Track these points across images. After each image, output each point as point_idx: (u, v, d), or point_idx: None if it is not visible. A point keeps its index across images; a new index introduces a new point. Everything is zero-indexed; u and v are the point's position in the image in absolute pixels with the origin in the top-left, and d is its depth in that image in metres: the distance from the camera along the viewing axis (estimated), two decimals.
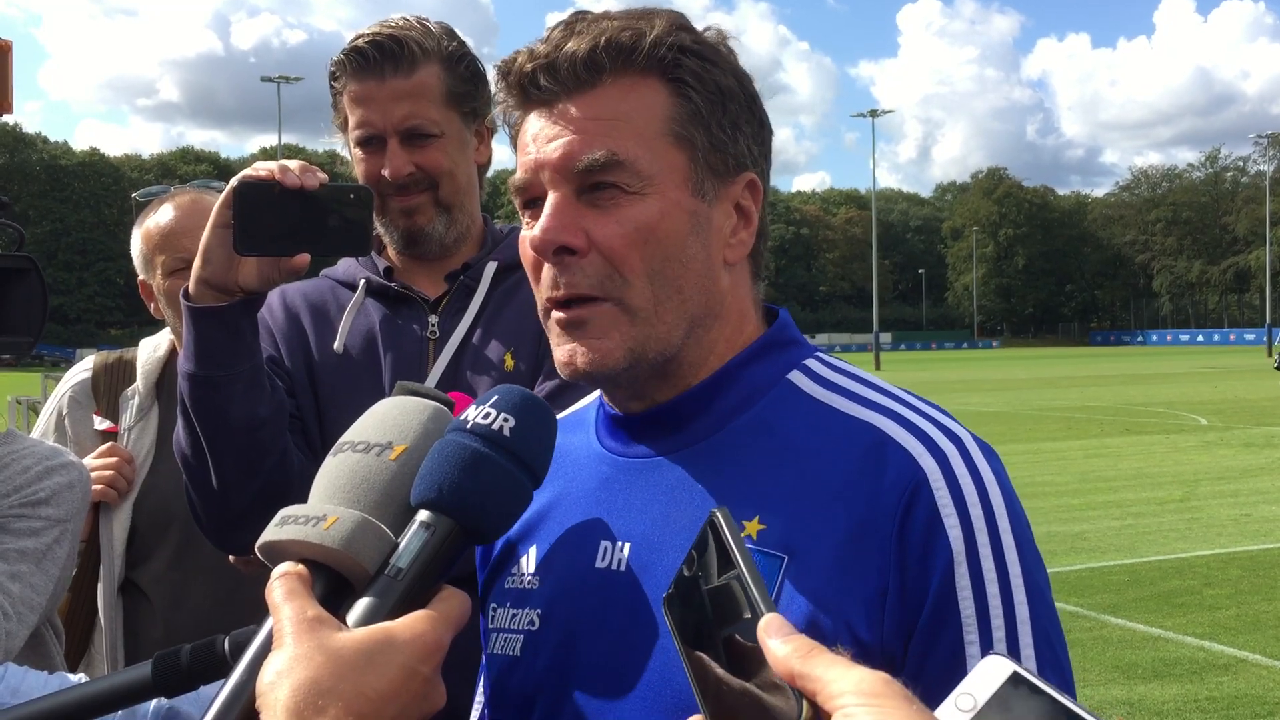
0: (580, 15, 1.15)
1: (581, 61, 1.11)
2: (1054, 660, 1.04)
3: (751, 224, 1.20)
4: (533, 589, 1.22)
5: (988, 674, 0.66)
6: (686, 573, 0.90)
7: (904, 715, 0.68)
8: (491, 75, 1.21)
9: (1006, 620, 1.02)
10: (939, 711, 0.65)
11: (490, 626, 1.26)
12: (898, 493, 1.05)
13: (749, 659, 0.79)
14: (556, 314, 1.15)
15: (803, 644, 0.75)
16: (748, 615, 0.81)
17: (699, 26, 1.19)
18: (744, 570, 0.82)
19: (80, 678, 1.57)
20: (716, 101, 1.15)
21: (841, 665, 0.73)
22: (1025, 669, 0.66)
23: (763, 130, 1.21)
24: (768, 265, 1.29)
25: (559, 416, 1.34)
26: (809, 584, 1.04)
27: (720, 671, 0.82)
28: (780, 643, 0.76)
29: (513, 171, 1.18)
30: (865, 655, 1.01)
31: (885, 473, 1.06)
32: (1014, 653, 1.01)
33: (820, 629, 1.02)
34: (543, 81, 1.13)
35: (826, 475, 1.08)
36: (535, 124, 1.15)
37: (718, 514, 0.88)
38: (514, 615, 1.22)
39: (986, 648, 1.01)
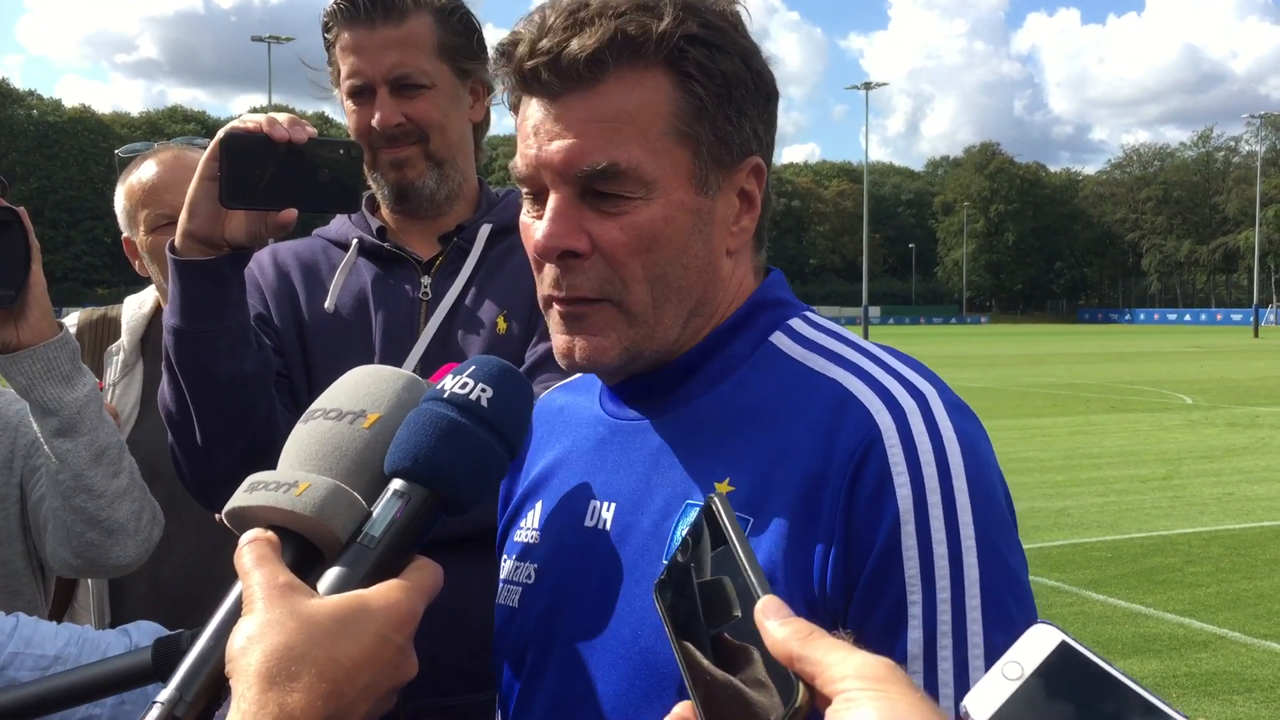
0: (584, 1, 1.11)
1: (585, 61, 1.08)
2: (1006, 623, 1.00)
3: (755, 209, 1.19)
4: (534, 544, 1.24)
5: (1035, 642, 0.64)
6: (680, 559, 0.89)
7: (907, 701, 0.66)
8: (492, 51, 1.18)
9: (953, 581, 0.99)
10: (986, 678, 0.64)
11: (501, 576, 1.28)
12: (850, 450, 1.04)
13: (736, 656, 0.78)
14: (559, 308, 1.16)
15: (802, 626, 0.74)
16: (738, 614, 0.80)
17: None
18: (740, 554, 0.81)
19: (86, 628, 1.56)
20: (722, 92, 1.12)
21: (843, 649, 0.71)
22: (1074, 639, 0.64)
23: (769, 104, 1.18)
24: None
25: (571, 379, 1.37)
26: (767, 543, 1.04)
27: (706, 664, 0.81)
28: (778, 624, 0.75)
29: (504, 139, 1.17)
30: (813, 612, 1.01)
31: (841, 430, 1.05)
32: (958, 615, 0.99)
33: (775, 585, 1.01)
34: (544, 76, 1.10)
35: (793, 434, 1.08)
36: (536, 114, 1.13)
37: (715, 499, 0.87)
38: (517, 568, 1.25)
39: (929, 608, 0.99)
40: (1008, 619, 1.00)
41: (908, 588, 1.00)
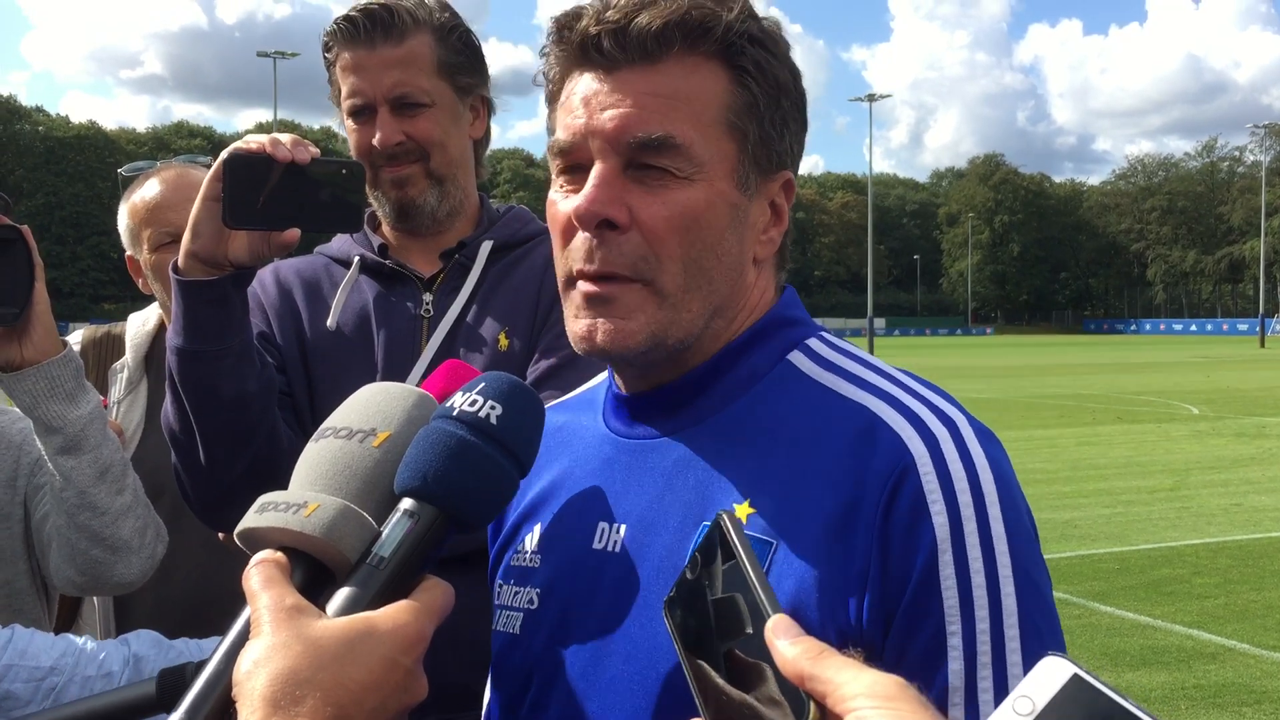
0: None
1: (653, 35, 1.08)
2: (1040, 650, 0.97)
3: (783, 222, 1.20)
4: (534, 568, 1.21)
5: (1047, 676, 0.63)
6: (689, 576, 0.88)
7: (919, 719, 0.66)
8: (548, 24, 1.17)
9: (992, 611, 0.99)
10: (997, 713, 0.63)
11: (495, 603, 1.26)
12: (884, 477, 1.02)
13: (749, 673, 0.78)
14: (584, 286, 1.12)
15: (812, 645, 0.74)
16: (750, 630, 0.80)
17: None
18: (750, 573, 0.81)
19: (84, 639, 1.56)
20: (772, 96, 1.14)
21: (854, 668, 0.71)
22: (1086, 671, 0.63)
23: (803, 130, 1.20)
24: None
25: (566, 397, 1.35)
26: (795, 569, 1.03)
27: (720, 682, 0.81)
28: (789, 644, 0.75)
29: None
30: (846, 641, 1.00)
31: (873, 456, 1.04)
32: (997, 645, 0.98)
33: (805, 614, 1.01)
34: (606, 46, 1.10)
35: (817, 458, 1.07)
36: (589, 86, 1.12)
37: (724, 517, 0.86)
38: (516, 593, 1.22)
39: (969, 639, 0.98)
40: (1044, 649, 0.99)
41: (946, 618, 0.99)
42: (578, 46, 1.12)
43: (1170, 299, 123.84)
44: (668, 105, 1.09)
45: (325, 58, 2.08)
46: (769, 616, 0.77)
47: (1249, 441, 16.76)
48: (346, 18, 2.01)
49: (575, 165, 1.13)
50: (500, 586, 1.26)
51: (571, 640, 1.14)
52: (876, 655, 1.00)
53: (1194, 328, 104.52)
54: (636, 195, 1.10)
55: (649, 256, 1.10)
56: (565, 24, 1.13)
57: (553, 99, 1.17)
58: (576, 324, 1.14)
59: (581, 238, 1.12)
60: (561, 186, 1.15)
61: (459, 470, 0.97)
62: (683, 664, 0.85)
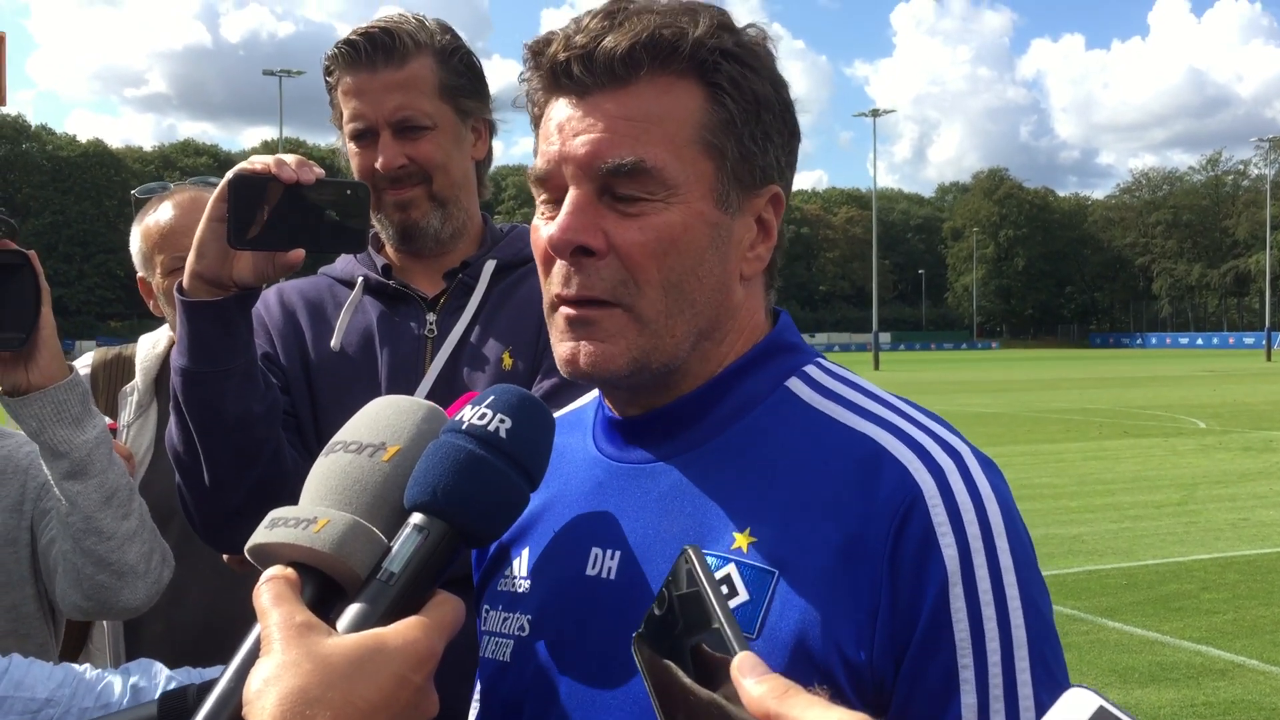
0: (621, 4, 1.11)
1: (620, 58, 1.07)
2: (1050, 682, 1.00)
3: (771, 238, 1.17)
4: (524, 593, 1.19)
5: (1073, 708, 0.63)
6: (657, 611, 0.88)
7: None
8: (524, 52, 1.17)
9: (1003, 643, 0.99)
10: None
11: (483, 629, 1.24)
12: (892, 509, 1.02)
13: (716, 670, 0.78)
14: (565, 310, 1.12)
15: (778, 684, 0.73)
16: (715, 625, 0.80)
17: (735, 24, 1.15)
18: (717, 609, 0.81)
19: (84, 668, 1.55)
20: (751, 111, 1.12)
21: (819, 706, 0.71)
22: (1111, 703, 0.62)
23: (793, 140, 1.18)
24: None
25: (556, 415, 1.33)
26: (799, 600, 1.01)
27: (687, 682, 0.80)
28: (755, 682, 0.74)
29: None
30: (855, 676, 0.99)
31: (880, 487, 1.03)
32: (1009, 676, 0.99)
33: (809, 647, 1.00)
34: (576, 72, 1.09)
35: (820, 487, 1.05)
36: (562, 112, 1.11)
37: (689, 552, 0.86)
38: (505, 619, 1.20)
39: (981, 671, 0.98)
40: (1051, 679, 1.01)
41: (958, 650, 0.98)
42: (549, 73, 1.11)
43: (1176, 313, 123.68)
44: (639, 129, 1.08)
45: (326, 81, 2.09)
46: (735, 653, 0.77)
47: (1256, 456, 16.70)
48: (348, 41, 2.02)
49: (554, 191, 1.13)
50: (487, 612, 1.24)
51: (566, 668, 1.12)
52: (887, 687, 1.00)
53: (1200, 341, 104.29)
54: (612, 221, 1.09)
55: (627, 281, 1.09)
56: (538, 50, 1.13)
57: (536, 123, 1.16)
58: (561, 348, 1.14)
59: (560, 264, 1.12)
60: (544, 214, 1.15)
61: (469, 484, 0.96)
62: (653, 703, 0.84)
